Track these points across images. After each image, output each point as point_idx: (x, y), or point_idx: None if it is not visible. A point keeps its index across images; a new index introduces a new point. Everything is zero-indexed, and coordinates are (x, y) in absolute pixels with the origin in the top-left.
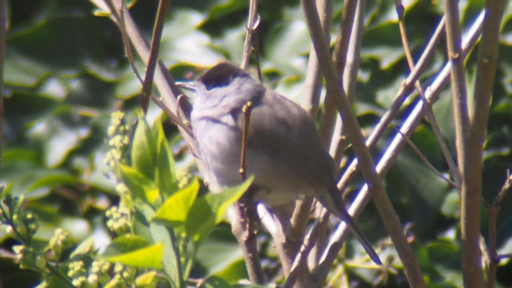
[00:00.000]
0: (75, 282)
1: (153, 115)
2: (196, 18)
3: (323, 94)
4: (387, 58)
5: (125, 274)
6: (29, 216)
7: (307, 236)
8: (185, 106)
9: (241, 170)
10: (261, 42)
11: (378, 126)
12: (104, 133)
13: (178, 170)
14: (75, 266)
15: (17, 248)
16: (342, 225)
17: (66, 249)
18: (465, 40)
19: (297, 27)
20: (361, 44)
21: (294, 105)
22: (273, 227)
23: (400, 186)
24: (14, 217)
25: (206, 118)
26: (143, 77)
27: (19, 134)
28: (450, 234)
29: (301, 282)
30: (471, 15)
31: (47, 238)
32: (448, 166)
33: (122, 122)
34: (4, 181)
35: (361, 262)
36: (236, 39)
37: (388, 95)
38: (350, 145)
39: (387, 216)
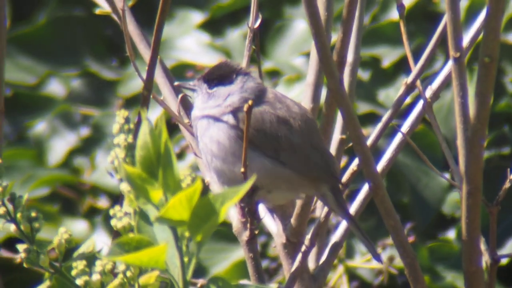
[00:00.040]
0: (79, 282)
1: (154, 114)
2: (197, 17)
3: (323, 93)
4: (388, 57)
5: (128, 274)
6: (33, 214)
7: (308, 236)
8: (186, 105)
9: (242, 170)
10: (262, 41)
11: (379, 125)
12: (105, 132)
13: (180, 169)
14: (79, 265)
15: (21, 247)
16: (343, 225)
17: (68, 249)
18: (466, 39)
19: (298, 26)
20: (362, 43)
21: (295, 103)
22: (273, 227)
23: (401, 186)
24: (18, 215)
25: (207, 117)
26: (144, 76)
27: (20, 133)
28: (451, 234)
29: (301, 282)
30: (472, 14)
31: (48, 238)
32: (449, 165)
33: (127, 120)
34: (5, 181)
35: (361, 262)
36: (237, 37)
37: (389, 94)
38: (350, 144)
39: (388, 215)
